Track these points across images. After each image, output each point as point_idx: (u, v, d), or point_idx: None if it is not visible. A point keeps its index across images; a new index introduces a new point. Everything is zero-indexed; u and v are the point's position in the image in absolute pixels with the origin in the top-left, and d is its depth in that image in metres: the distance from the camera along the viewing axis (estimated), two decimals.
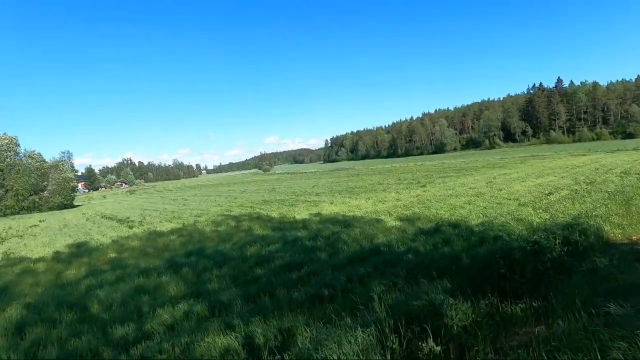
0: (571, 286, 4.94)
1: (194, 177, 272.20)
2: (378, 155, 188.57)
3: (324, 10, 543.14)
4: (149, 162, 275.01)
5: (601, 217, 9.72)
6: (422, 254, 7.30)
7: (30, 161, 55.45)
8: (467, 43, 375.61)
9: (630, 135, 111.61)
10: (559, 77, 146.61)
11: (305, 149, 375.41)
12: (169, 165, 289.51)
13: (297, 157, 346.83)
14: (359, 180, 44.18)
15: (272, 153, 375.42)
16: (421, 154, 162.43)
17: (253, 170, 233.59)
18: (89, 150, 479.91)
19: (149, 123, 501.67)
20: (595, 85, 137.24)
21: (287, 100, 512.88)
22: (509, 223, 9.79)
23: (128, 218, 25.64)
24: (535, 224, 9.63)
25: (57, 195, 54.68)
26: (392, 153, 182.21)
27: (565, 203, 12.68)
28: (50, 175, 55.48)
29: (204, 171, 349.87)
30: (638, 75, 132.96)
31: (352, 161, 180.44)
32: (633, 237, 8.02)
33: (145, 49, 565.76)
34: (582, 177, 21.50)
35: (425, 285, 5.04)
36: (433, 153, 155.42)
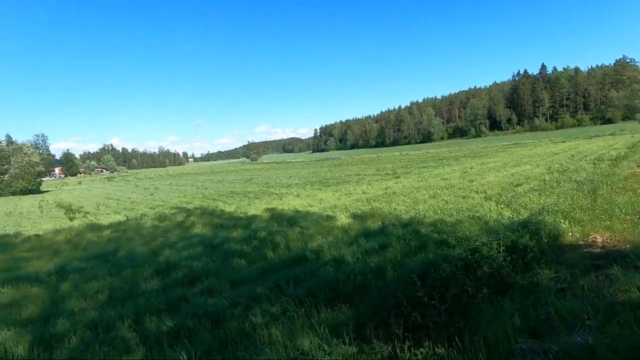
0: (494, 317, 3.83)
1: (180, 165, 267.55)
2: (366, 145, 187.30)
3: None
4: (133, 149, 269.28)
5: (562, 212, 8.72)
6: (346, 265, 6.15)
7: None
8: (455, 30, 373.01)
9: (609, 121, 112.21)
10: (542, 64, 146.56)
11: (295, 139, 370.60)
12: (155, 153, 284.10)
13: (286, 146, 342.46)
14: (339, 170, 43.08)
15: (261, 142, 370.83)
16: (409, 143, 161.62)
17: (241, 159, 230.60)
18: (74, 134, 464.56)
19: (137, 109, 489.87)
20: (577, 70, 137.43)
21: (278, 90, 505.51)
22: (462, 222, 8.71)
23: (81, 208, 24.09)
24: (490, 223, 8.57)
25: (20, 180, 51.96)
26: (381, 143, 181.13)
27: (531, 195, 11.69)
28: (12, 159, 52.62)
29: (192, 159, 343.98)
30: (616, 60, 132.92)
31: (341, 151, 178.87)
32: (590, 236, 7.00)
33: (136, 36, 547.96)
34: (557, 166, 20.68)
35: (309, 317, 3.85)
36: (421, 142, 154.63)
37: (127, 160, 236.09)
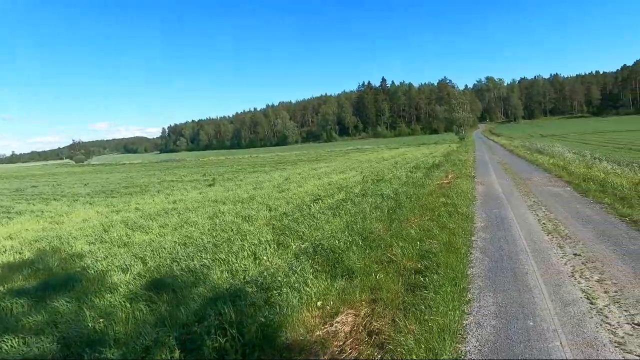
0: None
1: None
2: (222, 146, 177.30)
3: None
4: None
5: (333, 251, 5.61)
6: None
7: None
8: (309, 38, 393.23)
9: (435, 131, 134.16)
10: (383, 77, 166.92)
11: (141, 138, 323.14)
12: None
13: (129, 146, 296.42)
14: (160, 175, 36.21)
15: (97, 141, 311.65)
16: (264, 145, 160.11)
17: (64, 161, 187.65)
18: None
19: None
20: (410, 86, 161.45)
21: (121, 83, 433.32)
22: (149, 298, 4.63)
23: None
24: (192, 296, 4.76)
25: None
26: (237, 144, 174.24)
27: (320, 217, 8.73)
28: None
29: None
30: (439, 80, 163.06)
31: (192, 152, 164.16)
32: (340, 315, 3.75)
33: None
34: (375, 174, 19.62)
35: None
36: (276, 145, 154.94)
37: None
